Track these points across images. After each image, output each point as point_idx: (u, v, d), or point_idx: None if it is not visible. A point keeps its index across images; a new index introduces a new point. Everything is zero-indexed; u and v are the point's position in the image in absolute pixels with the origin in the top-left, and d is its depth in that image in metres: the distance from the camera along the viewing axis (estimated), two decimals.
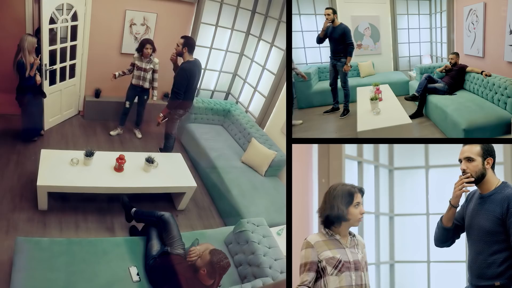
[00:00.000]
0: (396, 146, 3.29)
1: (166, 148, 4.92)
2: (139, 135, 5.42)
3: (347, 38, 4.34)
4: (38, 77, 4.38)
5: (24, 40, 4.16)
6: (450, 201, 2.06)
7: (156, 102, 5.26)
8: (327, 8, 4.38)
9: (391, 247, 3.15)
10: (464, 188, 2.00)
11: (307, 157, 2.99)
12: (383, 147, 3.26)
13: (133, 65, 4.99)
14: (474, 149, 1.99)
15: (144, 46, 4.86)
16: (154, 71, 5.02)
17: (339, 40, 4.35)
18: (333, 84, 4.65)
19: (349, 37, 4.35)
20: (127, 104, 5.13)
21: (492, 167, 2.02)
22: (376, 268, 3.06)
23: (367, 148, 3.12)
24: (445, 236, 2.13)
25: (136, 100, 5.21)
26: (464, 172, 2.00)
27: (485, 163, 1.98)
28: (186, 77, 4.37)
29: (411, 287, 3.11)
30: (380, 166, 3.20)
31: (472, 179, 1.98)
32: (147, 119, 5.48)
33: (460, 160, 2.03)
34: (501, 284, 1.88)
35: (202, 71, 6.02)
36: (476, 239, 1.98)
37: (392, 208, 3.21)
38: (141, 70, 4.96)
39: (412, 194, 3.17)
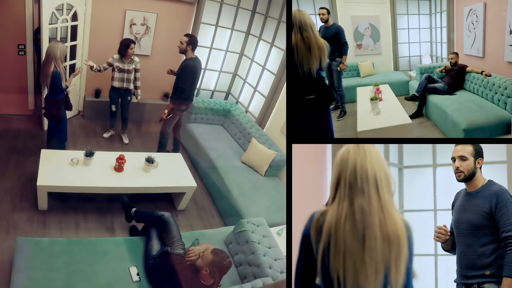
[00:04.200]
0: (405, 146, 3.43)
1: (161, 144, 4.91)
2: (126, 141, 5.20)
3: (341, 37, 4.34)
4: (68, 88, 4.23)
5: (55, 48, 3.83)
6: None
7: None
8: (321, 8, 4.35)
9: None
10: (438, 239, 2.21)
11: (322, 157, 3.01)
12: (393, 147, 3.40)
13: (110, 65, 4.74)
14: (467, 149, 2.13)
15: (129, 47, 4.65)
16: (136, 71, 4.86)
17: (332, 39, 4.33)
18: (330, 83, 4.61)
19: (343, 36, 4.35)
20: (113, 108, 4.99)
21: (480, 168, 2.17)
22: None
23: (378, 148, 3.16)
24: (453, 251, 2.26)
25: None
26: (457, 169, 2.14)
27: (476, 163, 2.13)
28: (191, 73, 4.45)
29: (420, 279, 3.24)
30: (390, 165, 3.33)
31: (446, 237, 2.17)
32: (148, 119, 5.49)
33: (454, 159, 2.16)
34: (490, 273, 2.02)
35: (202, 71, 6.04)
36: (465, 233, 2.11)
37: (401, 204, 3.38)
38: (124, 72, 4.76)
39: (420, 191, 3.34)
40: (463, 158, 2.13)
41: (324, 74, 2.29)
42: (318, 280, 1.46)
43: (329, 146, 3.01)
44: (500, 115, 3.69)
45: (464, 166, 2.13)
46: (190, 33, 5.62)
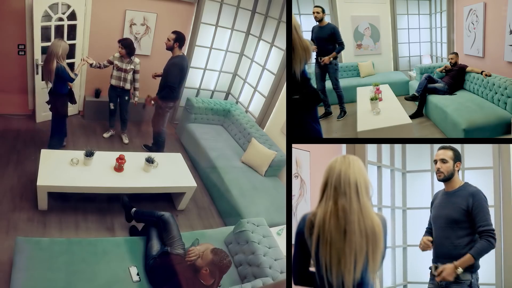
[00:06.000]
0: (406, 149, 3.65)
1: (158, 143, 4.91)
2: (126, 141, 5.22)
3: (337, 37, 4.26)
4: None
5: (58, 46, 3.96)
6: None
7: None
8: (315, 6, 4.20)
9: (404, 233, 3.62)
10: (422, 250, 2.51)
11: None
12: (398, 153, 3.63)
13: (110, 62, 4.79)
14: (448, 153, 2.41)
15: (118, 45, 4.69)
16: (135, 72, 4.87)
17: (328, 40, 4.25)
18: (322, 87, 4.51)
19: (339, 36, 4.28)
20: (112, 106, 5.01)
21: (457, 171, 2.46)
22: (392, 251, 3.51)
23: (385, 154, 3.51)
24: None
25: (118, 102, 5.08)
26: (438, 170, 2.41)
27: (455, 166, 2.41)
28: (179, 71, 4.48)
29: (420, 265, 3.51)
30: (395, 170, 3.59)
31: (430, 249, 2.47)
32: (148, 119, 5.48)
33: (436, 161, 2.44)
34: None
35: (202, 71, 6.05)
36: (444, 226, 2.40)
37: (405, 203, 3.63)
38: (121, 71, 4.78)
39: (420, 192, 3.60)
40: (443, 161, 2.40)
41: (310, 75, 2.32)
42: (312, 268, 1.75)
43: (343, 146, 3.22)
44: (500, 115, 3.69)
45: (444, 168, 2.40)
46: (190, 33, 5.63)
